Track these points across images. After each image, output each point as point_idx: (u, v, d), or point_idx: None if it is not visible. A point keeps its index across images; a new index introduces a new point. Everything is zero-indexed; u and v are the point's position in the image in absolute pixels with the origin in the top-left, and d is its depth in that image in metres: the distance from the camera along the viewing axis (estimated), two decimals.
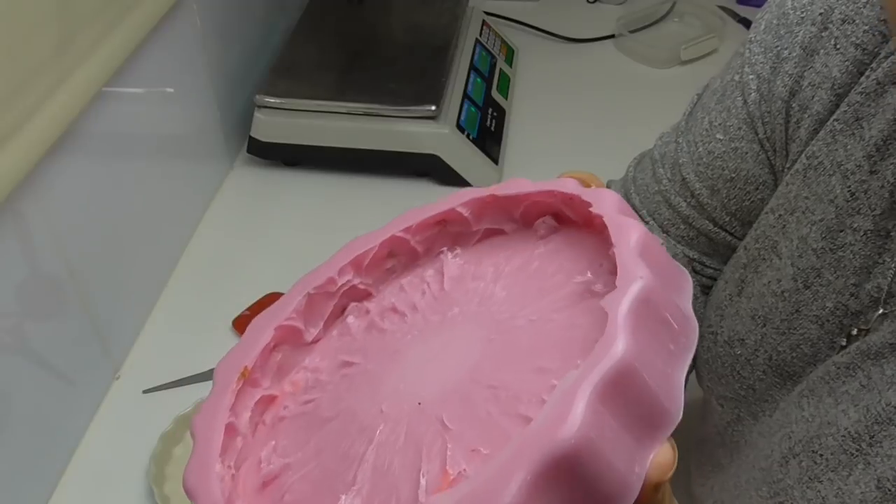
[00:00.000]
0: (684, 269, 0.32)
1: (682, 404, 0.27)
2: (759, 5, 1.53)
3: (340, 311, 0.39)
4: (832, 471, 0.44)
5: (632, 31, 1.31)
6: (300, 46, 1.14)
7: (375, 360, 0.35)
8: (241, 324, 0.87)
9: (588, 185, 0.35)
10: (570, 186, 0.34)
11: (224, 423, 0.33)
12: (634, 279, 0.28)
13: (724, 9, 1.36)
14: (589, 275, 0.32)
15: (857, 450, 0.43)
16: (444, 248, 0.39)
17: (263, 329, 0.36)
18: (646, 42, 1.29)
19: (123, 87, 0.79)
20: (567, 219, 0.36)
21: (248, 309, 0.88)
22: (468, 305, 0.35)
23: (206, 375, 0.83)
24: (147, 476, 0.73)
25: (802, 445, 0.47)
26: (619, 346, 0.26)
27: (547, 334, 0.31)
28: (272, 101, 1.04)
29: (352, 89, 1.05)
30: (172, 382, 0.82)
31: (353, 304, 0.39)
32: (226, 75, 1.04)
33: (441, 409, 0.30)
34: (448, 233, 0.39)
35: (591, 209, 0.32)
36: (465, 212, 0.38)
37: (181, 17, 0.89)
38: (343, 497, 0.30)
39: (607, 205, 0.32)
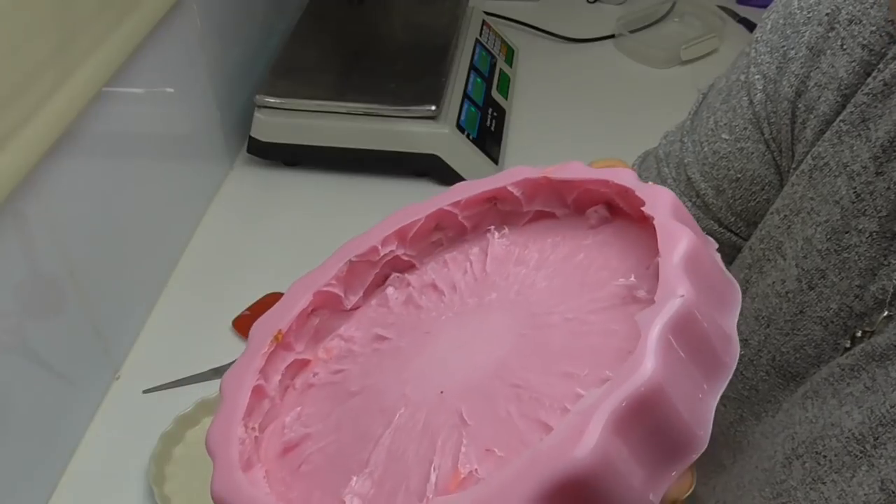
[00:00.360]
0: (734, 281, 0.30)
1: (710, 429, 0.27)
2: (759, 5, 1.52)
3: (382, 280, 0.39)
4: (836, 472, 0.44)
5: (632, 31, 1.31)
6: (300, 46, 1.14)
7: (408, 338, 0.35)
8: (241, 324, 0.87)
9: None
10: (626, 178, 0.33)
11: (252, 385, 0.33)
12: (674, 296, 0.27)
13: (724, 9, 1.35)
14: (633, 278, 0.31)
15: (861, 451, 0.43)
16: (492, 227, 0.38)
17: (302, 293, 0.36)
18: (646, 42, 1.29)
19: (123, 87, 0.78)
20: (620, 209, 0.35)
21: (248, 309, 0.88)
22: (507, 292, 0.34)
23: (206, 375, 0.82)
24: (147, 476, 0.73)
25: (806, 447, 0.46)
26: (646, 367, 0.25)
27: (580, 337, 0.30)
28: (272, 101, 1.03)
29: (352, 89, 1.05)
30: (172, 382, 0.82)
31: (394, 275, 0.39)
32: (226, 75, 1.04)
33: (462, 401, 0.30)
34: (498, 211, 0.38)
35: (643, 208, 0.31)
36: (516, 191, 0.37)
37: (181, 17, 0.89)
38: (355, 478, 0.30)
39: (661, 206, 0.31)
